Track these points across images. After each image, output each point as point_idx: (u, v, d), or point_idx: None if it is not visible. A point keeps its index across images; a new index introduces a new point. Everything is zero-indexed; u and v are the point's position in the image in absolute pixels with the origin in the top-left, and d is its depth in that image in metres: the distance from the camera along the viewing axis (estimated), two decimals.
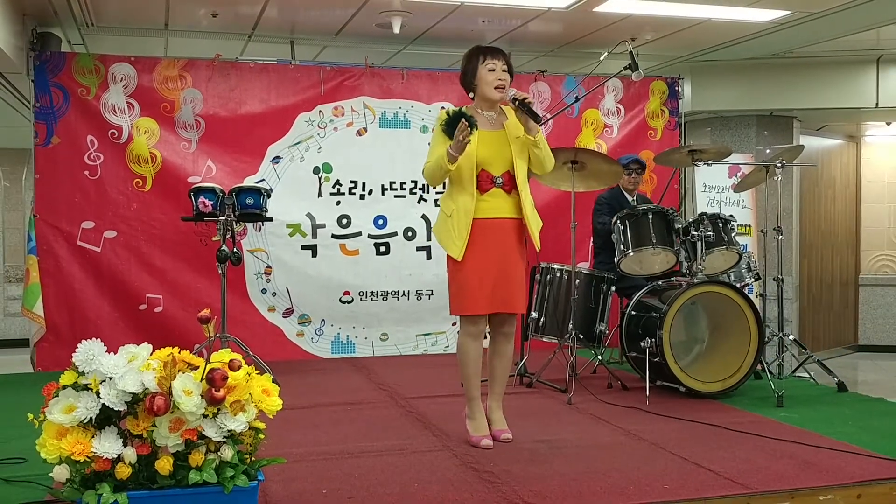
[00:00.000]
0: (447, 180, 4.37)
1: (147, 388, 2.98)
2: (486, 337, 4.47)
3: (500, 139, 4.35)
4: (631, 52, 6.03)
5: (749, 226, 8.38)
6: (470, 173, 4.27)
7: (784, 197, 7.42)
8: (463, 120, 4.12)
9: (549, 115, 7.26)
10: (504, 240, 4.33)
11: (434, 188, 7.43)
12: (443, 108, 7.45)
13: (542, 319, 6.08)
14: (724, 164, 7.54)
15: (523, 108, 4.27)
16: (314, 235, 7.26)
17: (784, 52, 8.32)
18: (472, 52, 4.44)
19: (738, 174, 8.11)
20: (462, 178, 4.29)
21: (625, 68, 6.07)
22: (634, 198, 6.64)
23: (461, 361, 4.43)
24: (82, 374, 3.00)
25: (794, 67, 8.65)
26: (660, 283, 5.95)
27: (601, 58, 6.32)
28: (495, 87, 4.33)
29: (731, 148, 6.41)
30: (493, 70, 4.33)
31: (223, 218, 5.76)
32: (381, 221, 7.43)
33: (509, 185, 4.33)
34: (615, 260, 5.95)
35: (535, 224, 4.39)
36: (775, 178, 6.15)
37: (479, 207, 4.28)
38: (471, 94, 4.46)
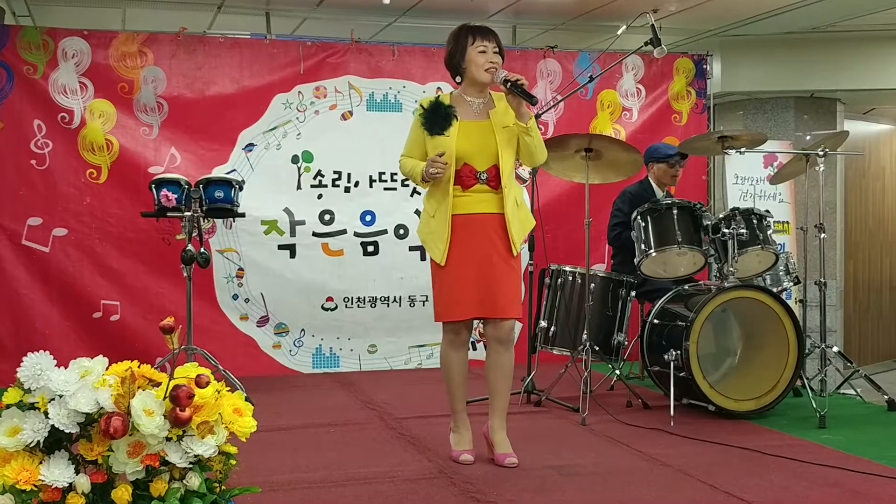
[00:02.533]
0: None
1: (102, 408, 2.97)
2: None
3: (485, 130, 4.45)
4: (653, 25, 6.03)
5: (787, 222, 8.39)
6: (448, 170, 4.39)
7: (827, 190, 7.39)
8: (437, 157, 4.31)
9: (559, 97, 7.26)
10: (489, 237, 4.42)
11: None
12: (439, 88, 7.46)
13: (552, 329, 6.08)
14: (759, 153, 7.53)
15: (515, 89, 4.33)
16: (293, 233, 7.25)
17: (826, 26, 8.33)
18: (458, 31, 4.55)
19: (775, 164, 8.12)
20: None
21: (646, 44, 6.07)
22: (665, 192, 6.65)
23: (443, 373, 4.58)
24: (28, 391, 2.99)
25: (838, 43, 8.65)
26: (686, 287, 5.96)
27: (619, 32, 6.33)
28: (486, 70, 4.42)
29: (766, 134, 6.40)
30: (484, 52, 4.44)
31: (189, 214, 5.76)
32: (368, 217, 7.43)
33: (495, 180, 4.43)
34: (635, 261, 5.95)
35: (518, 223, 4.47)
36: (817, 168, 6.15)
37: (458, 203, 4.41)
38: (457, 79, 4.58)
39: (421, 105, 4.52)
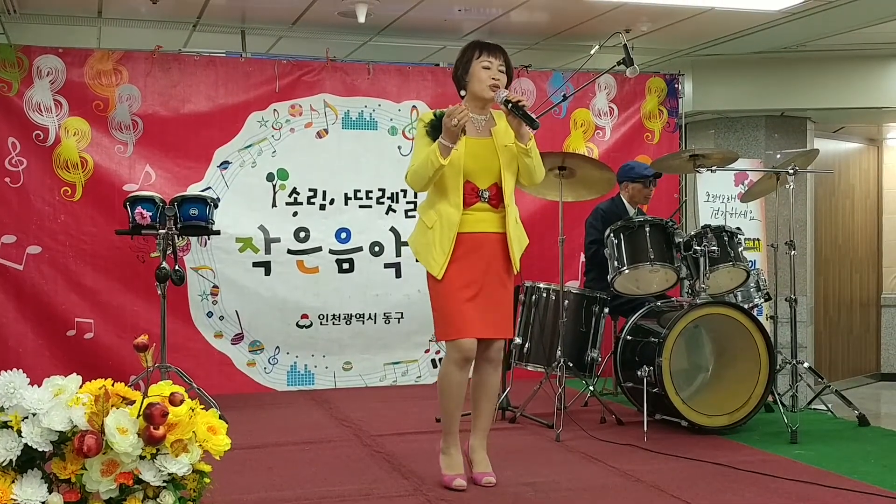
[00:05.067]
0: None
1: (76, 426, 2.95)
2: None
3: (488, 148, 4.39)
4: (625, 44, 6.07)
5: (758, 240, 8.44)
6: (456, 181, 4.30)
7: (797, 207, 7.47)
8: (457, 106, 4.15)
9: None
10: (491, 257, 4.37)
11: (405, 197, 7.45)
12: (414, 107, 7.48)
13: (526, 345, 6.08)
14: (730, 171, 7.59)
15: (517, 111, 4.26)
16: (268, 251, 7.23)
17: (796, 46, 8.41)
18: (469, 45, 4.47)
19: (746, 182, 8.17)
20: (447, 187, 4.31)
21: (618, 63, 6.10)
22: (636, 210, 6.69)
23: (443, 392, 4.42)
24: (1, 409, 2.97)
25: (808, 62, 8.74)
26: (658, 303, 5.98)
27: (592, 51, 6.35)
28: (488, 86, 4.34)
29: (737, 153, 6.45)
30: (489, 68, 4.35)
31: (163, 231, 5.74)
32: (343, 235, 7.42)
33: (496, 199, 4.37)
34: (609, 278, 5.97)
35: (518, 242, 4.43)
36: (787, 186, 6.20)
37: (463, 221, 4.31)
38: (462, 93, 4.48)
39: (433, 114, 4.36)
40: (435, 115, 4.33)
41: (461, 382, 4.38)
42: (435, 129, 4.27)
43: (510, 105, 4.26)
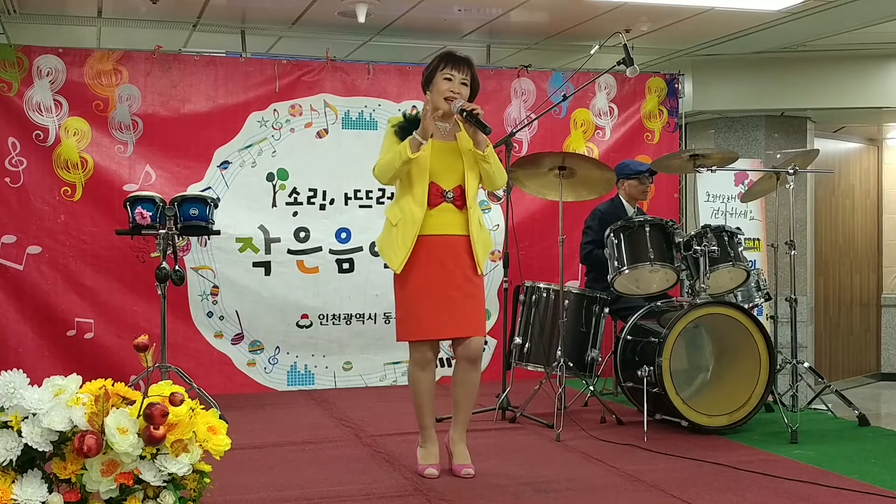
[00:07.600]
0: (395, 186, 4.61)
1: (76, 426, 2.95)
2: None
3: (452, 151, 4.57)
4: (625, 44, 6.08)
5: (758, 240, 8.44)
6: (421, 180, 4.49)
7: (797, 207, 7.46)
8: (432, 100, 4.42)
9: (533, 116, 7.30)
10: (455, 258, 4.52)
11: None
12: (414, 107, 7.47)
13: (526, 345, 6.09)
14: (730, 171, 7.58)
15: (470, 119, 4.43)
16: (268, 251, 7.24)
17: (796, 46, 8.41)
18: (438, 55, 4.66)
19: (746, 182, 8.17)
20: (412, 185, 4.51)
21: (618, 63, 6.11)
22: (636, 210, 6.70)
23: (411, 391, 4.63)
24: (1, 409, 2.97)
25: (808, 62, 8.73)
26: (659, 303, 5.98)
27: (592, 51, 6.36)
28: (444, 98, 4.50)
29: (737, 152, 6.45)
30: (450, 80, 4.53)
31: (163, 231, 5.74)
32: (343, 235, 7.42)
33: (460, 200, 4.54)
34: (609, 278, 5.97)
35: (481, 244, 4.58)
36: (787, 186, 6.20)
37: (426, 223, 4.49)
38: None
39: (403, 115, 4.62)
40: (405, 116, 4.59)
41: (425, 381, 4.58)
42: (403, 130, 4.50)
43: (465, 114, 4.44)
